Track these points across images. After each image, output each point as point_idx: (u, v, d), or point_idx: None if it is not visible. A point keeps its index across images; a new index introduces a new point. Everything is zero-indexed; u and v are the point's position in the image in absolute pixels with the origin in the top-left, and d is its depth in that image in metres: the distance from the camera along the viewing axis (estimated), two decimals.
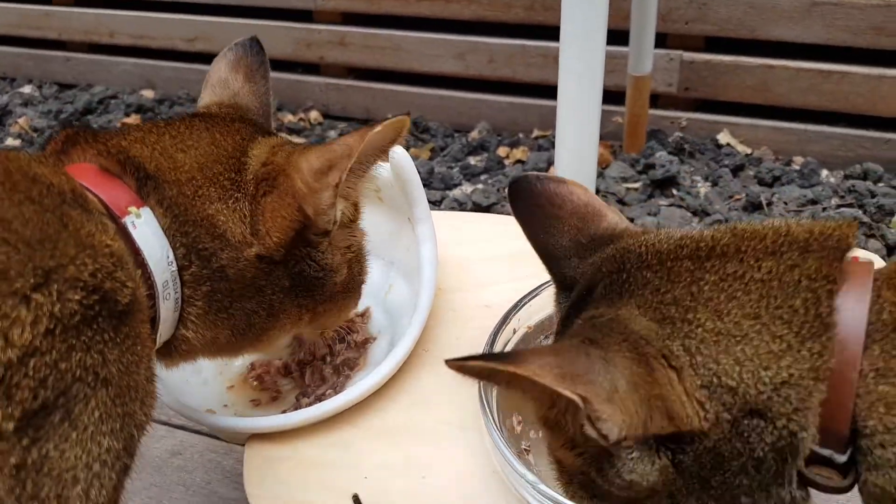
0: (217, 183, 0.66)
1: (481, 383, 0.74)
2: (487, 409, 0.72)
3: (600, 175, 1.68)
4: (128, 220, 0.60)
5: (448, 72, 2.02)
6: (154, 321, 0.62)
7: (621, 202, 1.63)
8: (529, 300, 0.84)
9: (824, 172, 1.70)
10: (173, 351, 0.68)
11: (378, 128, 0.67)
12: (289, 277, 0.69)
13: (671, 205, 1.61)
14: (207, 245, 0.64)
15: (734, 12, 1.72)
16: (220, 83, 0.79)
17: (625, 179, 1.70)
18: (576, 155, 1.15)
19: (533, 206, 0.66)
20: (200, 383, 0.90)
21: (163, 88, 2.36)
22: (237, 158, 0.68)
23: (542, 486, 0.65)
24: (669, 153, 1.74)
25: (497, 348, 0.79)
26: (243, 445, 0.80)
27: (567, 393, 0.47)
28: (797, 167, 1.73)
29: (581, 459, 0.54)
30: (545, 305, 0.84)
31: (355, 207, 0.74)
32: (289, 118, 2.13)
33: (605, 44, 1.08)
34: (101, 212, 0.59)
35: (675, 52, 1.79)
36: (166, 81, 2.36)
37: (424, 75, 2.05)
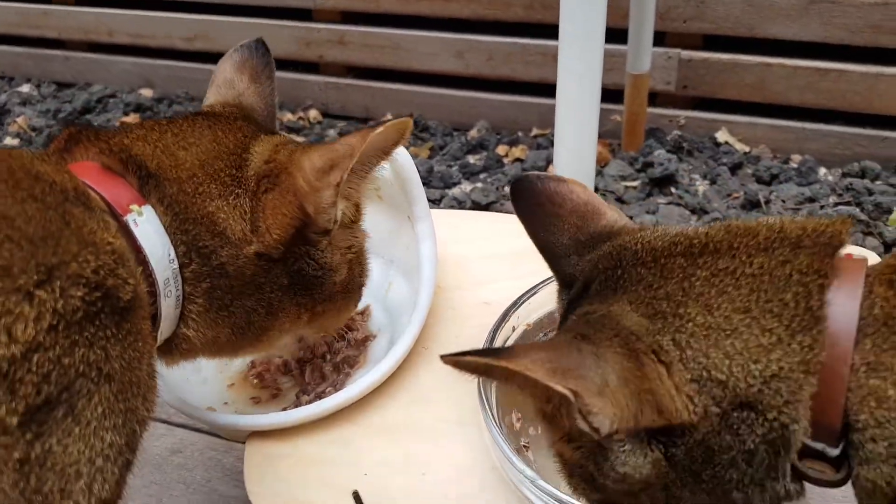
0: (218, 180, 0.66)
1: (480, 380, 0.75)
2: (487, 406, 0.73)
3: (599, 173, 1.69)
4: (129, 218, 0.61)
5: (447, 70, 2.02)
6: (155, 318, 0.63)
7: (620, 200, 1.63)
8: (528, 297, 0.84)
9: (822, 170, 1.70)
10: (174, 349, 0.68)
11: (380, 129, 0.67)
12: (287, 276, 0.70)
13: (670, 203, 1.61)
14: (208, 242, 0.65)
15: (732, 10, 1.72)
16: (225, 83, 0.79)
17: (623, 178, 1.70)
18: (575, 153, 1.15)
19: (534, 205, 0.67)
20: (201, 381, 0.91)
21: (161, 87, 2.36)
22: (239, 155, 0.68)
23: (541, 482, 0.66)
24: (668, 151, 1.75)
25: (496, 345, 0.79)
26: (243, 443, 0.81)
27: (558, 387, 0.49)
28: (795, 165, 1.73)
29: (579, 453, 0.55)
30: (544, 303, 0.85)
31: (357, 208, 0.74)
32: (288, 117, 2.13)
33: (603, 42, 1.08)
34: (103, 209, 0.59)
35: (673, 51, 1.80)
36: (165, 80, 2.36)
37: (424, 74, 2.06)
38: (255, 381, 0.92)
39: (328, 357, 0.92)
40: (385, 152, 0.70)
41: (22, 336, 0.47)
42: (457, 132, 2.02)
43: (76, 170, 0.61)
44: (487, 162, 1.84)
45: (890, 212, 1.51)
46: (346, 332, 0.94)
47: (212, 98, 0.79)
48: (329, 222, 0.69)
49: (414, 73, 2.07)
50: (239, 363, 0.94)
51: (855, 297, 0.49)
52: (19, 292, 0.48)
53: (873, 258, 0.57)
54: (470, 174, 1.80)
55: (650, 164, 1.69)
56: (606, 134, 1.83)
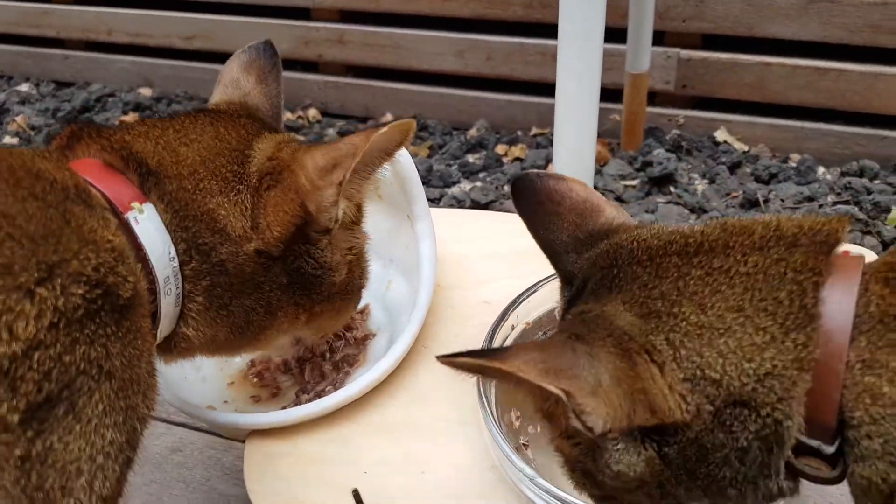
0: (219, 176, 0.66)
1: (480, 380, 0.75)
2: (486, 405, 0.73)
3: (598, 172, 1.69)
4: (130, 216, 0.61)
5: (447, 70, 2.02)
6: (155, 316, 0.63)
7: (619, 199, 1.64)
8: (528, 296, 0.84)
9: (821, 169, 1.71)
10: (173, 347, 0.68)
11: (384, 129, 0.67)
12: (287, 274, 0.70)
13: (669, 202, 1.62)
14: (208, 240, 0.65)
15: (731, 10, 1.72)
16: (231, 83, 0.80)
17: (623, 177, 1.70)
18: (574, 153, 1.16)
19: (534, 203, 0.67)
20: (200, 380, 0.91)
21: (161, 86, 2.36)
22: (241, 152, 0.68)
23: (541, 480, 0.66)
24: (667, 151, 1.75)
25: (495, 344, 0.79)
26: (243, 442, 0.81)
27: (550, 388, 0.49)
28: (794, 164, 1.73)
29: (577, 449, 0.55)
30: (544, 301, 0.85)
31: (359, 209, 0.74)
32: (287, 116, 2.13)
33: (602, 42, 1.08)
34: (104, 207, 0.59)
35: (672, 50, 1.80)
36: (164, 79, 2.36)
37: (423, 73, 2.06)
38: (255, 379, 0.92)
39: (328, 356, 0.92)
40: (388, 153, 0.70)
41: (23, 334, 0.47)
42: (456, 131, 2.02)
43: (78, 167, 0.61)
44: (487, 161, 1.84)
45: (888, 211, 1.51)
46: (346, 331, 0.94)
47: (218, 97, 0.80)
48: (330, 221, 0.69)
49: (413, 72, 2.07)
50: (239, 362, 0.94)
51: (850, 295, 0.49)
52: (20, 290, 0.48)
53: (871, 256, 0.57)
54: (469, 173, 1.80)
55: (649, 164, 1.69)
56: (606, 133, 1.83)
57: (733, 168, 1.73)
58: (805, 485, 0.53)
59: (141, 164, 0.64)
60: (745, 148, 1.80)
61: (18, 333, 0.47)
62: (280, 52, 0.82)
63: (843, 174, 1.68)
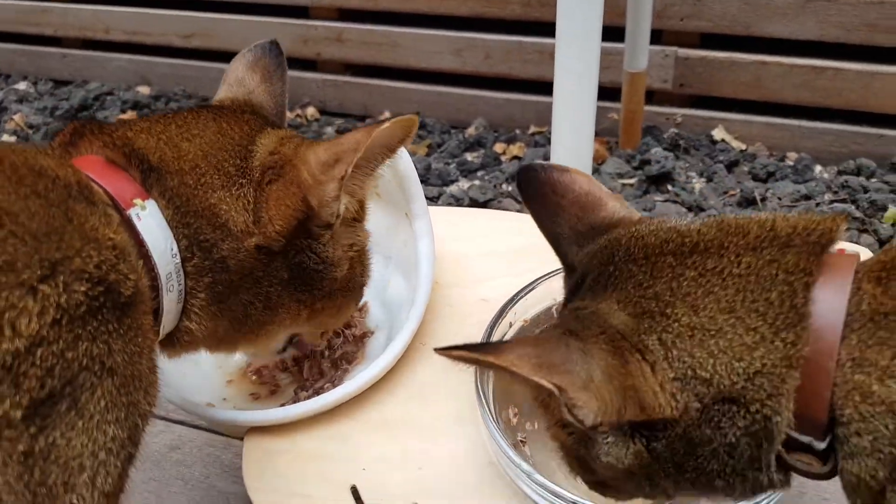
0: (222, 170, 0.67)
1: (477, 377, 0.75)
2: (484, 402, 0.73)
3: (596, 171, 1.69)
4: (132, 212, 0.61)
5: (445, 68, 2.03)
6: (157, 312, 0.63)
7: None
8: (526, 294, 0.84)
9: (818, 168, 1.71)
10: (176, 342, 0.69)
11: (386, 125, 0.68)
12: (288, 269, 0.70)
13: (666, 200, 1.62)
14: (209, 236, 0.65)
15: (729, 9, 1.73)
16: (236, 81, 0.80)
17: (620, 175, 1.71)
18: (572, 151, 1.16)
19: (538, 194, 0.67)
20: (200, 378, 0.91)
21: (159, 85, 2.36)
22: (244, 147, 0.69)
23: (538, 476, 0.66)
24: (665, 149, 1.75)
25: (493, 341, 0.79)
26: (242, 439, 0.81)
27: (543, 382, 0.50)
28: (791, 163, 1.74)
29: (571, 438, 0.57)
30: (541, 299, 0.85)
31: (361, 206, 0.75)
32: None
33: (600, 41, 1.09)
34: (106, 203, 0.60)
35: (670, 49, 1.80)
36: (162, 78, 2.36)
37: (421, 72, 2.06)
38: (254, 377, 0.93)
39: (326, 353, 0.93)
40: (390, 149, 0.70)
41: (26, 330, 0.48)
42: (454, 130, 2.02)
43: (80, 164, 0.62)
44: (485, 159, 1.84)
45: (885, 209, 1.51)
46: (345, 329, 0.94)
47: (222, 95, 0.80)
48: (332, 216, 0.70)
49: (412, 70, 2.07)
50: (237, 359, 0.94)
51: (842, 294, 0.49)
52: (23, 287, 0.48)
53: (867, 255, 0.58)
54: (468, 172, 1.80)
55: (647, 162, 1.70)
56: (603, 132, 1.83)
57: (731, 166, 1.74)
58: (803, 481, 0.54)
59: (142, 161, 0.64)
60: (743, 146, 1.81)
61: (21, 330, 0.47)
62: None
63: (839, 172, 1.69)
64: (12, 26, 2.50)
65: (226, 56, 0.84)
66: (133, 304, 0.56)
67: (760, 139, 1.81)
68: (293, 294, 0.72)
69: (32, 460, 0.47)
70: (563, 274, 0.67)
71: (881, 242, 1.44)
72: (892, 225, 1.48)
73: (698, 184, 1.67)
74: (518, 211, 1.60)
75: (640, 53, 1.67)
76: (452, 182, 1.75)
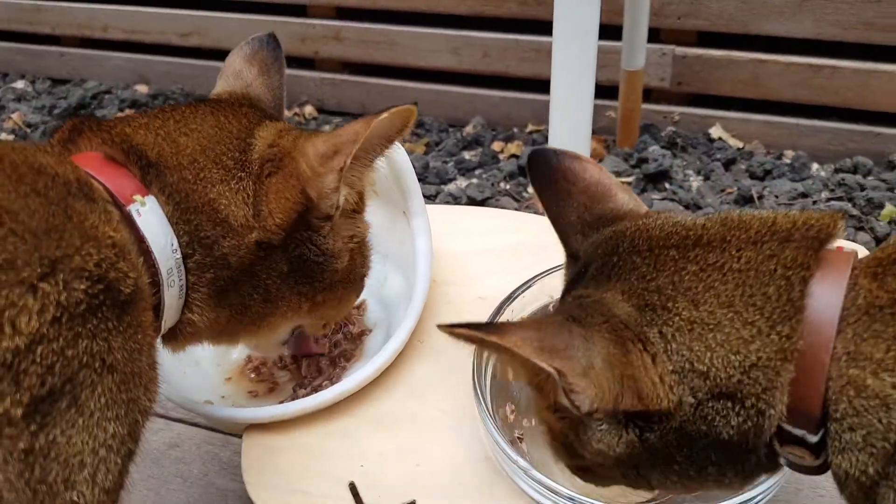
0: (220, 164, 0.67)
1: (475, 374, 0.76)
2: (481, 399, 0.74)
3: None
4: (132, 209, 0.61)
5: (442, 66, 2.03)
6: (157, 309, 0.63)
7: None
8: (523, 291, 0.85)
9: (815, 166, 1.72)
10: (178, 334, 0.69)
11: (384, 115, 0.68)
12: (288, 262, 0.70)
13: (664, 198, 1.62)
14: (210, 232, 0.65)
15: (726, 7, 1.73)
16: (234, 75, 0.80)
17: (618, 174, 1.71)
18: (569, 149, 1.16)
19: (548, 179, 0.67)
20: (199, 376, 0.91)
21: (157, 84, 2.36)
22: (243, 140, 0.69)
23: (535, 473, 0.67)
24: (662, 147, 1.76)
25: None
26: (240, 437, 0.81)
27: (544, 365, 0.51)
28: (788, 161, 1.74)
29: (562, 423, 0.57)
30: (538, 297, 0.86)
31: (360, 197, 0.75)
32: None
33: (597, 39, 1.09)
34: (106, 200, 0.60)
35: (667, 47, 1.81)
36: (160, 76, 2.36)
37: (419, 70, 2.06)
38: (253, 375, 0.93)
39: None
40: (389, 140, 0.70)
41: (26, 328, 0.48)
42: (452, 128, 2.02)
43: (79, 161, 0.62)
44: (483, 158, 1.85)
45: (881, 207, 1.52)
46: (343, 327, 0.94)
47: (220, 88, 0.80)
48: (331, 208, 0.70)
49: (409, 69, 2.07)
50: (236, 357, 0.95)
51: (839, 289, 0.50)
52: (23, 285, 0.49)
53: (863, 252, 0.58)
54: (465, 170, 1.81)
55: (644, 160, 1.70)
56: (601, 130, 1.84)
57: (728, 165, 1.74)
58: (799, 477, 0.54)
59: (141, 157, 0.64)
60: (740, 145, 1.81)
61: (21, 328, 0.48)
62: None
63: (836, 171, 1.69)
64: (10, 25, 2.50)
65: (224, 55, 0.84)
66: (133, 301, 0.56)
67: (758, 137, 1.81)
68: (294, 287, 0.72)
69: (33, 457, 0.47)
70: (562, 268, 0.67)
71: (878, 240, 1.44)
72: (889, 223, 1.48)
73: (695, 182, 1.68)
74: (516, 209, 1.60)
75: (637, 52, 1.67)
76: (450, 180, 1.76)
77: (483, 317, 0.82)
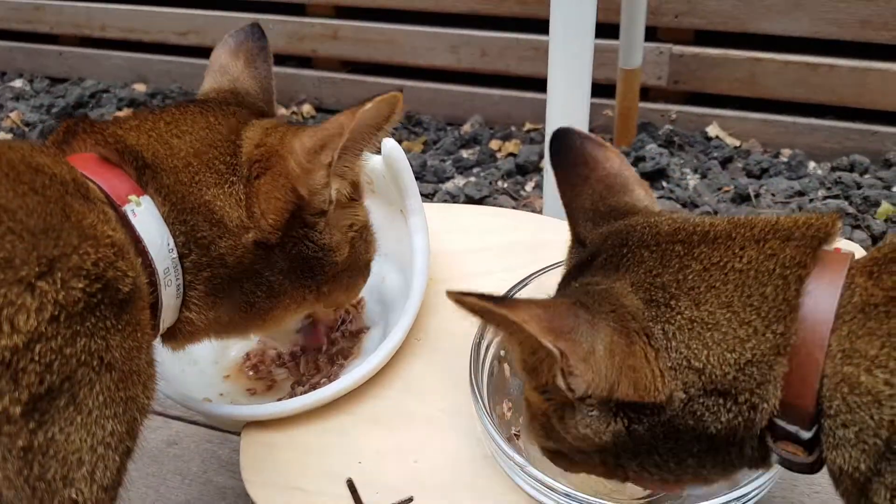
0: (213, 168, 0.66)
1: (472, 372, 0.76)
2: (478, 396, 0.74)
3: None
4: (128, 209, 0.61)
5: (441, 65, 2.03)
6: (155, 308, 0.63)
7: None
8: (520, 289, 0.85)
9: (811, 164, 1.72)
10: (178, 333, 0.69)
11: (369, 104, 0.67)
12: (287, 259, 0.70)
13: (661, 197, 1.63)
14: (206, 233, 0.65)
15: (723, 6, 1.74)
16: (220, 69, 0.79)
17: None
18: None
19: (569, 162, 0.67)
20: (197, 373, 0.92)
21: (155, 82, 2.36)
22: (232, 142, 0.68)
23: (531, 469, 0.67)
24: (659, 146, 1.76)
25: (487, 336, 0.80)
26: (239, 434, 0.82)
27: (548, 344, 0.51)
28: (785, 159, 1.75)
29: (548, 405, 0.58)
30: (535, 294, 0.86)
31: (354, 186, 0.74)
32: (281, 112, 2.13)
33: (594, 38, 1.09)
34: (102, 200, 0.60)
35: (664, 46, 1.81)
36: (158, 75, 2.36)
37: (417, 68, 2.06)
38: (251, 372, 0.93)
39: (322, 349, 0.93)
40: (377, 128, 0.69)
41: (24, 326, 0.48)
42: (450, 127, 2.03)
43: (74, 161, 0.62)
44: (480, 156, 1.85)
45: (878, 205, 1.52)
46: (341, 324, 0.95)
47: (207, 85, 0.79)
48: (324, 203, 0.69)
49: (408, 67, 2.07)
50: (234, 355, 0.95)
51: (835, 287, 0.50)
52: (21, 283, 0.49)
53: (860, 253, 0.59)
54: (463, 168, 1.81)
55: (642, 159, 1.70)
56: (598, 128, 1.84)
57: (725, 163, 1.74)
58: (795, 474, 0.55)
59: (137, 158, 0.64)
60: (737, 143, 1.81)
61: (20, 326, 0.48)
62: (274, 48, 0.83)
63: (833, 169, 1.70)
64: (8, 24, 2.50)
65: None
66: (131, 300, 0.56)
67: (754, 136, 1.82)
68: (297, 281, 0.72)
69: (32, 455, 0.48)
70: (559, 266, 0.68)
71: (874, 238, 1.45)
72: (885, 221, 1.49)
73: (692, 180, 1.68)
74: (513, 207, 1.61)
75: (634, 50, 1.67)
76: (448, 179, 1.76)
77: None
